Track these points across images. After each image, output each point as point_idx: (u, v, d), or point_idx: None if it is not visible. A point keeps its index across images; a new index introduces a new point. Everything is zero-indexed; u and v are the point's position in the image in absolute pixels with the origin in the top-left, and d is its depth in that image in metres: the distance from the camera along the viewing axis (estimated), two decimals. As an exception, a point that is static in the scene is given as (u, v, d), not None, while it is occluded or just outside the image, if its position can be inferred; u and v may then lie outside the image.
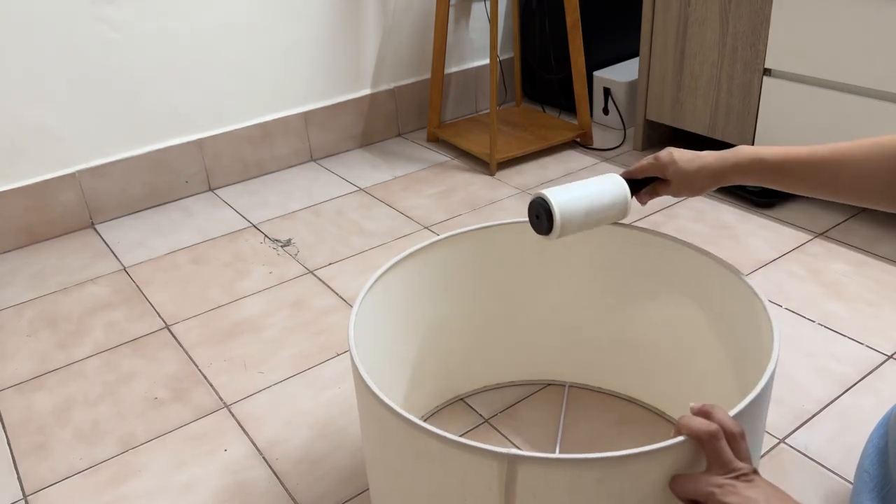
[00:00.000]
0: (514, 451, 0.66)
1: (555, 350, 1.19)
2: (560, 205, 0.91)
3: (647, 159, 0.96)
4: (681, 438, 0.66)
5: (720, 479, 0.64)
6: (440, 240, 1.05)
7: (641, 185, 0.98)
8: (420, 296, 1.07)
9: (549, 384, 1.21)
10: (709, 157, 0.91)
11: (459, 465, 0.69)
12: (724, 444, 0.65)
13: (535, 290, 1.14)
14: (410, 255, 1.02)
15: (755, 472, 0.65)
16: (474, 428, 1.13)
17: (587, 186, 0.95)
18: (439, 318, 1.11)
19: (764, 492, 0.62)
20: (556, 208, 0.91)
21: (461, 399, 1.19)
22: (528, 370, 1.21)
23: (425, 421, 0.72)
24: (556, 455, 0.66)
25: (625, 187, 0.96)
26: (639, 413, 1.15)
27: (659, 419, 1.13)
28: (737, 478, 0.64)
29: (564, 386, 1.20)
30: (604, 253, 1.07)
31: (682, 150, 0.94)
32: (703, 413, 0.68)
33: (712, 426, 0.65)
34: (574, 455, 0.65)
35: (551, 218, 0.91)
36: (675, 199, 1.76)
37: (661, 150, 0.95)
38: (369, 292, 0.95)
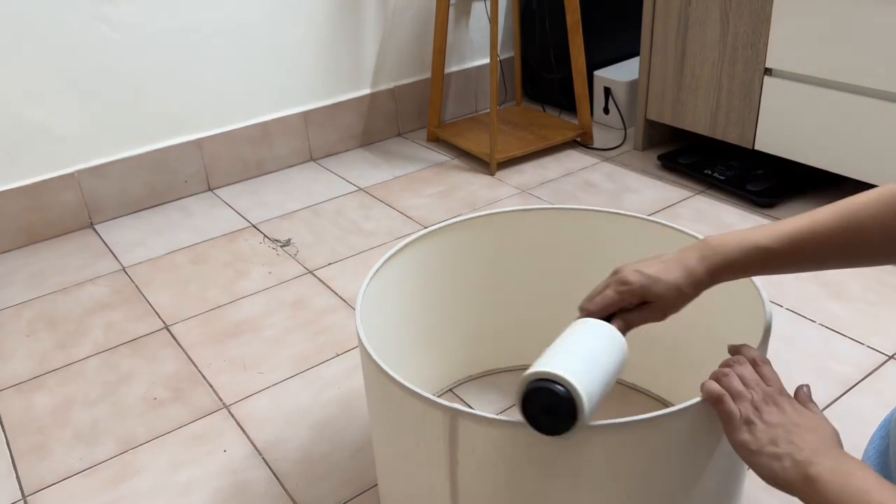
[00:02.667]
0: (456, 405, 0.71)
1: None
2: (586, 391, 0.64)
3: (611, 289, 0.75)
4: (601, 423, 0.68)
5: (738, 437, 0.66)
6: (458, 222, 1.07)
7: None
8: (432, 278, 1.09)
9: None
10: (686, 261, 0.74)
11: (413, 412, 0.76)
12: (723, 407, 0.68)
13: (545, 279, 1.15)
14: (426, 235, 1.04)
15: (781, 393, 0.69)
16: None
17: (594, 352, 0.69)
18: (452, 300, 1.13)
19: (785, 417, 0.66)
20: (584, 397, 0.63)
21: (458, 385, 1.19)
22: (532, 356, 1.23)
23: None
24: (492, 415, 0.70)
25: (622, 340, 0.72)
26: (644, 401, 1.14)
27: (661, 407, 1.13)
28: (749, 422, 0.66)
29: None
30: (637, 250, 1.07)
31: (642, 262, 0.76)
32: (734, 350, 0.75)
33: (714, 392, 0.68)
34: (507, 417, 0.70)
35: (572, 412, 0.63)
36: (677, 199, 1.76)
37: (617, 272, 0.76)
38: (386, 264, 0.98)
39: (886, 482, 0.57)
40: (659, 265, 0.74)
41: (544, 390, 0.63)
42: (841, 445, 0.65)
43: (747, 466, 0.66)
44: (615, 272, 0.76)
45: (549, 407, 0.63)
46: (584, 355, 0.67)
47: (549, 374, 0.63)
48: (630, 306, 0.75)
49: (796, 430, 0.64)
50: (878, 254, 0.70)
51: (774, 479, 0.63)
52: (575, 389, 0.62)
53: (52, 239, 1.76)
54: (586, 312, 0.76)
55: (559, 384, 0.63)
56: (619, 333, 0.72)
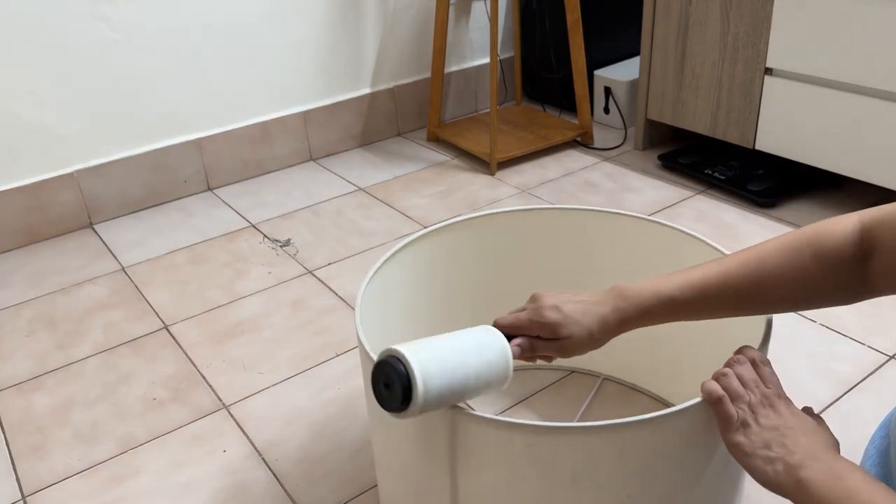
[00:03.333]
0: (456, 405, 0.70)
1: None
2: (424, 372, 0.64)
3: (527, 314, 0.77)
4: (600, 423, 0.68)
5: (733, 438, 0.66)
6: (458, 222, 1.07)
7: (510, 339, 0.76)
8: (432, 278, 1.09)
9: (574, 371, 1.21)
10: (601, 307, 0.75)
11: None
12: (721, 409, 0.67)
13: (545, 279, 1.15)
14: (425, 235, 1.04)
15: (779, 396, 0.69)
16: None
17: (458, 345, 0.70)
18: (452, 300, 1.13)
19: (781, 420, 0.66)
20: (417, 376, 0.64)
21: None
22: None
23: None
24: (491, 415, 0.70)
25: (506, 347, 0.72)
26: (644, 401, 1.14)
27: (662, 407, 1.13)
28: (745, 424, 0.66)
29: (595, 377, 1.21)
30: (637, 250, 1.07)
31: (562, 297, 0.77)
32: (736, 351, 0.73)
33: (714, 393, 0.68)
34: (507, 418, 0.70)
35: (409, 388, 0.64)
36: (677, 199, 1.76)
37: (537, 300, 0.77)
38: (386, 264, 0.98)
39: (877, 482, 0.58)
40: (577, 305, 0.75)
41: (387, 364, 0.65)
42: (837, 450, 0.65)
43: None
44: (534, 299, 0.77)
45: (388, 382, 0.66)
46: (445, 350, 0.68)
47: (396, 352, 0.65)
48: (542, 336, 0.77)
49: (790, 434, 0.64)
50: (786, 299, 0.71)
51: (767, 482, 0.63)
52: (413, 372, 0.64)
53: (52, 239, 1.76)
54: (499, 324, 0.78)
55: (402, 363, 0.64)
56: (505, 344, 0.72)
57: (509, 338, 0.75)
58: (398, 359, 0.65)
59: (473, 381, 0.69)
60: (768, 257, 0.71)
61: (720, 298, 0.73)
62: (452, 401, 0.68)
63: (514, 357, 0.74)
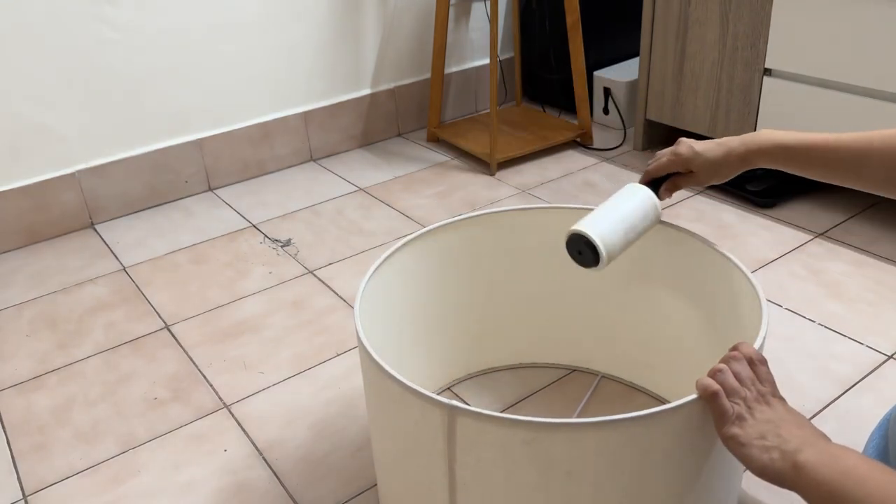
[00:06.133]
0: (454, 402, 0.72)
1: (587, 339, 1.20)
2: (602, 236, 0.89)
3: (666, 155, 0.94)
4: (597, 419, 0.69)
5: (728, 431, 0.67)
6: (457, 221, 1.08)
7: (661, 182, 0.97)
8: (431, 277, 1.09)
9: (575, 370, 1.21)
10: (731, 142, 0.90)
11: (411, 410, 0.77)
12: (717, 403, 0.68)
13: (544, 278, 1.15)
14: (424, 234, 1.05)
15: (774, 395, 0.70)
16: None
17: (619, 207, 0.93)
18: (451, 299, 1.13)
19: (775, 414, 0.67)
20: (598, 242, 0.89)
21: (460, 382, 1.20)
22: (559, 356, 1.24)
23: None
24: (490, 412, 0.70)
25: (653, 196, 0.95)
26: (643, 400, 1.14)
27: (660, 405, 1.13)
28: (741, 417, 0.67)
29: (595, 376, 1.22)
30: (636, 249, 1.08)
31: (698, 140, 0.93)
32: (732, 348, 0.75)
33: (709, 388, 0.69)
34: (506, 415, 0.70)
35: (596, 251, 0.89)
36: (676, 199, 1.76)
37: (677, 144, 0.94)
38: (385, 263, 0.98)
39: (872, 460, 0.58)
40: (709, 144, 0.91)
41: (574, 238, 0.91)
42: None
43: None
44: (677, 143, 0.94)
45: (580, 251, 0.91)
46: (605, 211, 0.92)
47: (577, 230, 0.90)
48: (682, 171, 0.94)
49: (785, 425, 0.65)
50: (886, 184, 0.78)
51: (764, 471, 0.63)
52: (592, 237, 0.89)
53: (53, 239, 1.76)
54: (645, 173, 0.97)
55: (586, 235, 0.89)
56: (645, 189, 0.95)
57: (659, 182, 0.96)
58: (581, 234, 0.89)
59: (635, 232, 0.93)
60: (881, 137, 0.77)
61: (825, 158, 0.82)
62: (625, 247, 0.92)
63: (664, 197, 0.96)
